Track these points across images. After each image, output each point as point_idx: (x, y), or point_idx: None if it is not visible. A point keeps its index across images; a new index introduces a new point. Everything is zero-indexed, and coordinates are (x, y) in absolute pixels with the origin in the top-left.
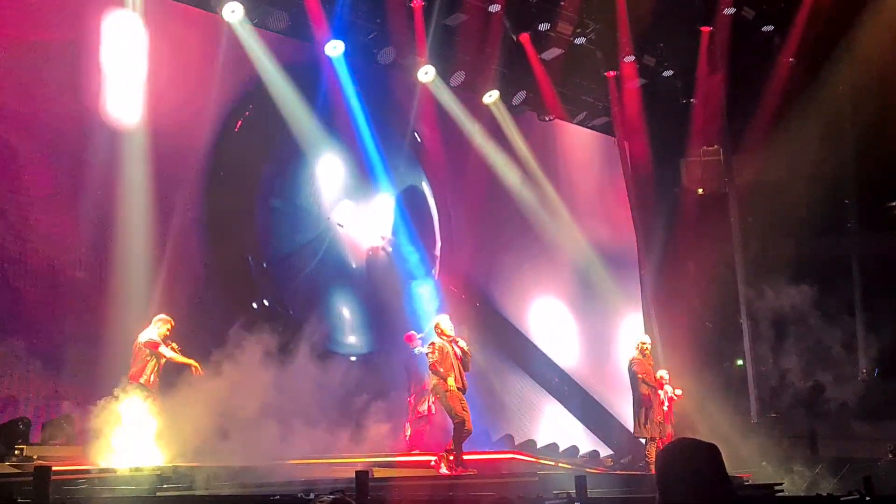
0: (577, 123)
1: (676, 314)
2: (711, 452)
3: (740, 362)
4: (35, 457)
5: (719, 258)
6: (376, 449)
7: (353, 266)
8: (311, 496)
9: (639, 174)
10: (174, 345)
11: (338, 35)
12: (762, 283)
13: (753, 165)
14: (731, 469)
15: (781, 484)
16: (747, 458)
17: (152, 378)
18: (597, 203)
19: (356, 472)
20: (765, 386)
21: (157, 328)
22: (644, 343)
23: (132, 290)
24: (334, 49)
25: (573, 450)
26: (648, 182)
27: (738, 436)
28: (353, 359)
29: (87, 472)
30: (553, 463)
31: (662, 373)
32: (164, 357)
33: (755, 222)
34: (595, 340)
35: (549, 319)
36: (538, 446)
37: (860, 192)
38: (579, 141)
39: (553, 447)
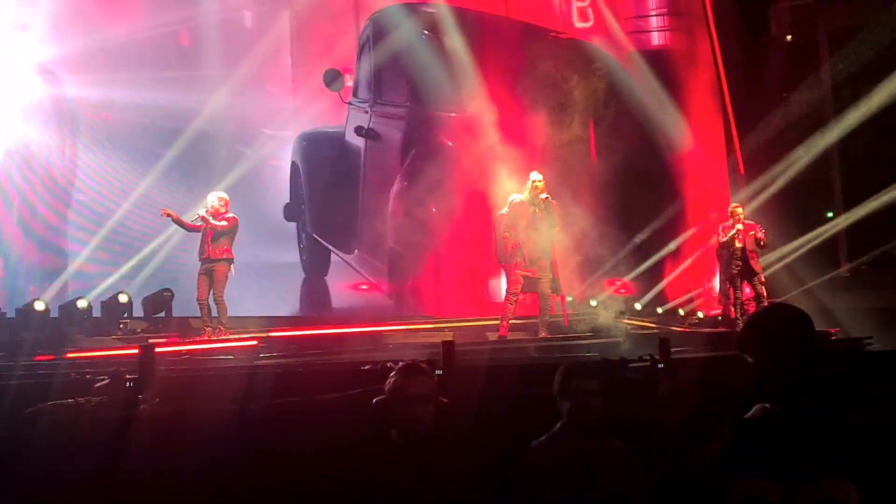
0: None
1: (764, 169)
2: (804, 321)
3: (830, 214)
4: (139, 330)
5: (809, 108)
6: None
7: None
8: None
9: (723, 26)
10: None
11: None
12: (854, 131)
13: (847, 9)
14: (819, 324)
15: (871, 338)
16: (836, 311)
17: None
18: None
19: (442, 341)
20: (856, 237)
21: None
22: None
23: None
24: None
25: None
26: (733, 33)
27: (827, 289)
28: None
29: (188, 343)
30: (637, 322)
31: (735, 208)
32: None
33: (847, 70)
34: None
35: None
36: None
37: None
38: None
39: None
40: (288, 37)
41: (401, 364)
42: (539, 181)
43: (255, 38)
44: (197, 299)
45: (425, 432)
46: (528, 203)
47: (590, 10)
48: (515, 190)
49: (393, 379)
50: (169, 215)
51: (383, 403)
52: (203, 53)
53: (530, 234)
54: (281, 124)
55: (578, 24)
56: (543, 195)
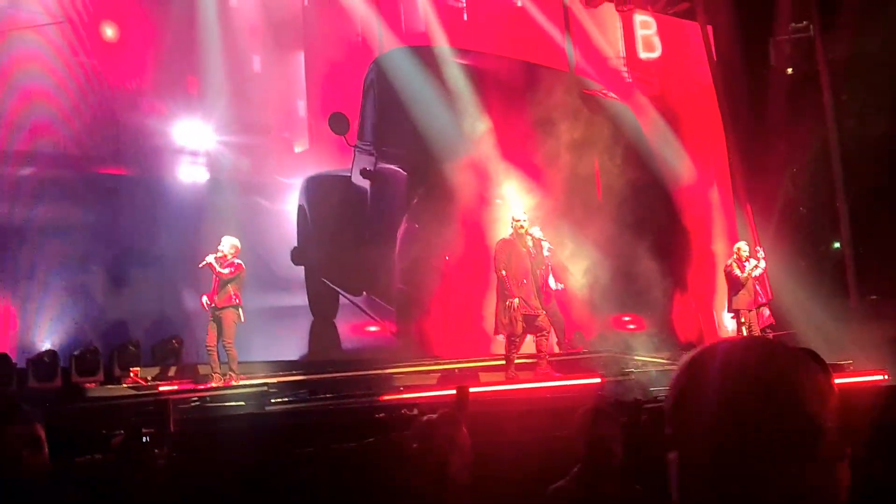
0: (657, 12)
1: (768, 200)
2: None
3: (837, 245)
4: (149, 378)
5: (813, 140)
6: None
7: None
8: (415, 412)
9: (724, 59)
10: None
11: None
12: (859, 161)
13: (846, 40)
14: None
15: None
16: (846, 342)
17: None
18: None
19: (456, 387)
20: (865, 268)
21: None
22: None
23: None
24: None
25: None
26: (734, 66)
27: (836, 321)
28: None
29: (198, 390)
30: (646, 359)
31: (741, 244)
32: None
33: (850, 100)
34: None
35: None
36: None
37: None
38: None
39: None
40: (301, 80)
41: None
42: (520, 221)
43: (267, 82)
44: (206, 345)
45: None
46: (515, 241)
47: (655, 39)
48: None
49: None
50: (208, 266)
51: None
52: (212, 99)
53: (521, 270)
54: (296, 170)
55: (644, 55)
56: (536, 234)
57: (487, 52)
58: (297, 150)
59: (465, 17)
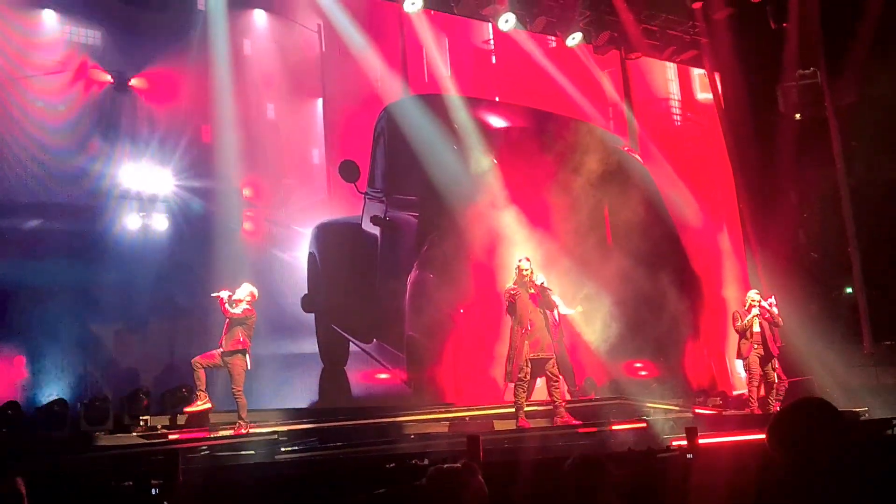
0: (665, 59)
1: (779, 246)
2: (831, 416)
3: (849, 290)
4: (159, 426)
5: (822, 185)
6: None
7: None
8: (426, 462)
9: (732, 106)
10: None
11: None
12: (869, 206)
13: (854, 86)
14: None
15: None
16: (860, 389)
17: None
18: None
19: (467, 436)
20: (878, 313)
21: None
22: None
23: None
24: (413, 5)
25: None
26: (742, 113)
27: (850, 367)
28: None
29: (208, 439)
30: (659, 406)
31: (752, 293)
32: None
33: (859, 145)
34: None
35: None
36: None
37: None
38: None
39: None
40: (315, 127)
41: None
42: (525, 266)
43: (281, 130)
44: (194, 360)
45: None
46: (519, 287)
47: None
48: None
49: None
50: (219, 301)
51: None
52: (225, 148)
53: (526, 316)
54: (313, 218)
55: (701, 96)
56: (538, 280)
57: (514, 93)
58: (314, 198)
59: (494, 60)
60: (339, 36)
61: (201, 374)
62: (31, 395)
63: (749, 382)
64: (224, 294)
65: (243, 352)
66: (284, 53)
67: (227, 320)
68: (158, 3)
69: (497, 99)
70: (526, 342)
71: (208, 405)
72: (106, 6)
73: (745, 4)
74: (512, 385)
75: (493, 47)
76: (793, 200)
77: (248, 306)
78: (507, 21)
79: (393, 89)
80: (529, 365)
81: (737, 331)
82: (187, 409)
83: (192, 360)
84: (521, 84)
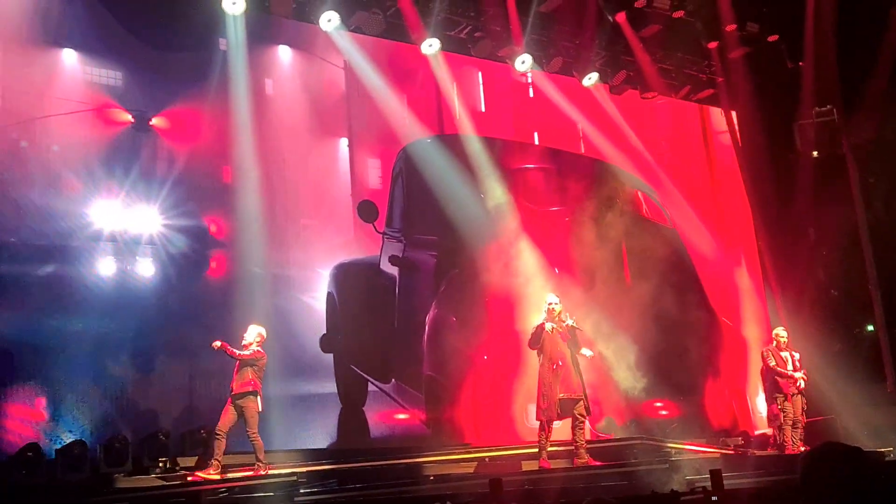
0: (681, 98)
1: (798, 284)
2: (857, 459)
3: (870, 328)
4: (178, 467)
5: (841, 223)
6: None
7: None
8: None
9: (749, 144)
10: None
11: (433, 32)
12: (889, 243)
13: (871, 123)
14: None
15: None
16: (884, 428)
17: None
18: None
19: (490, 479)
20: None
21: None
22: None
23: None
24: (430, 47)
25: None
26: (759, 151)
27: (874, 406)
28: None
29: (227, 480)
30: (681, 446)
31: (779, 330)
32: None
33: (877, 182)
34: None
35: None
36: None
37: None
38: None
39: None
40: (339, 167)
41: None
42: (555, 304)
43: (304, 170)
44: (215, 429)
45: None
46: (548, 325)
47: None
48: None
49: None
50: (223, 348)
51: None
52: (245, 189)
53: (555, 354)
54: (336, 260)
55: (718, 135)
56: (568, 321)
57: (553, 128)
58: (339, 238)
59: (532, 94)
60: (365, 76)
61: (223, 443)
62: (50, 438)
63: (784, 422)
64: (217, 343)
65: (254, 393)
66: (309, 91)
67: (237, 363)
68: (179, 44)
69: (536, 134)
70: (556, 381)
71: (217, 477)
72: (127, 46)
73: (760, 43)
74: (537, 422)
75: (530, 80)
76: (811, 238)
77: (258, 347)
78: (524, 62)
79: (422, 128)
80: (558, 406)
81: (772, 370)
82: (198, 473)
83: (216, 428)
84: (560, 118)
